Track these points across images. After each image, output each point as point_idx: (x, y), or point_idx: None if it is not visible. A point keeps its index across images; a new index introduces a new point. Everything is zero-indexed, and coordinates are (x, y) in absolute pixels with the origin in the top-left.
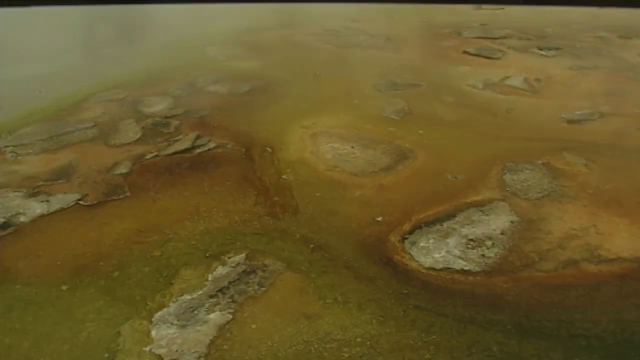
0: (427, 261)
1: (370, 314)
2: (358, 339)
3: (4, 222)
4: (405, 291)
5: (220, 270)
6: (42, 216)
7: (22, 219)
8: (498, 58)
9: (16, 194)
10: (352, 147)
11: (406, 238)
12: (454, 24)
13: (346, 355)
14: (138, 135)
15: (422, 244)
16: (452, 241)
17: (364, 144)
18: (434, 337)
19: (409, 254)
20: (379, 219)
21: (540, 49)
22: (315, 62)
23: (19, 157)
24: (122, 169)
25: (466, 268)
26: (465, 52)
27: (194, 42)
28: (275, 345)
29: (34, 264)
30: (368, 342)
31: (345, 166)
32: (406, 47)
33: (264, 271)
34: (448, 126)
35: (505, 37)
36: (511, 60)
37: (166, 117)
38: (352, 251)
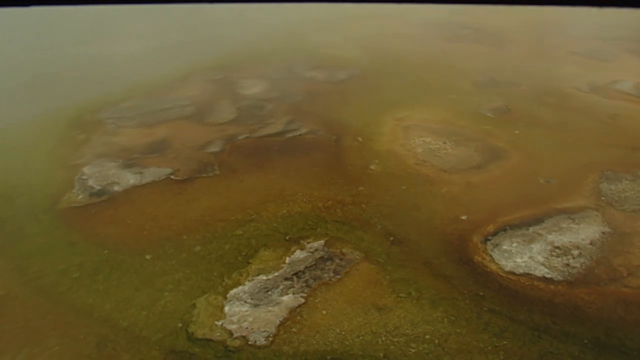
0: (507, 265)
1: (443, 312)
2: (427, 336)
3: (100, 190)
4: (482, 293)
5: (298, 255)
6: (135, 187)
7: (116, 188)
8: (608, 60)
9: (113, 164)
10: (444, 143)
11: (489, 239)
12: (565, 21)
13: (413, 350)
14: (232, 116)
15: (504, 247)
16: (536, 247)
17: (456, 140)
18: (505, 342)
19: (490, 255)
20: (464, 217)
21: None
22: (414, 54)
23: (118, 130)
24: (214, 148)
25: (548, 276)
26: (572, 52)
27: (293, 28)
28: (343, 332)
29: (123, 232)
30: (436, 340)
31: (435, 161)
32: (510, 43)
33: (341, 259)
34: (546, 128)
35: (619, 39)
36: (622, 63)
37: (261, 100)
38: (432, 247)
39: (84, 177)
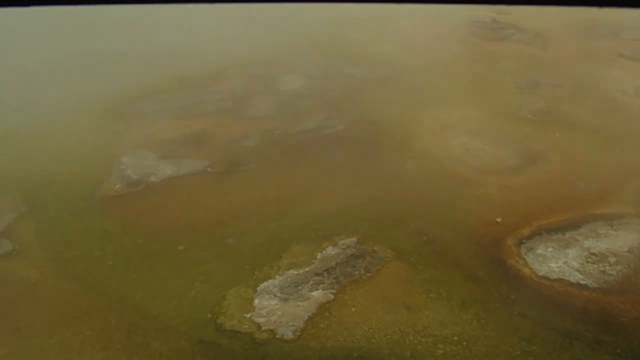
0: (541, 269)
1: (472, 314)
2: (455, 337)
3: (137, 180)
4: (513, 297)
5: (330, 251)
6: (171, 178)
7: (152, 178)
8: None
9: (151, 154)
10: (482, 144)
11: (523, 243)
12: (614, 23)
13: (440, 351)
14: (270, 111)
15: (539, 251)
16: (572, 252)
17: (494, 142)
18: (534, 347)
19: (524, 259)
20: (499, 219)
21: None
22: (456, 53)
23: (157, 121)
24: (251, 142)
25: (582, 282)
26: (620, 54)
27: (333, 24)
28: (371, 330)
29: (157, 222)
30: (465, 342)
31: (472, 162)
32: (556, 44)
33: (372, 257)
34: (588, 132)
35: None
36: None
37: (299, 96)
38: (464, 248)
39: (122, 167)
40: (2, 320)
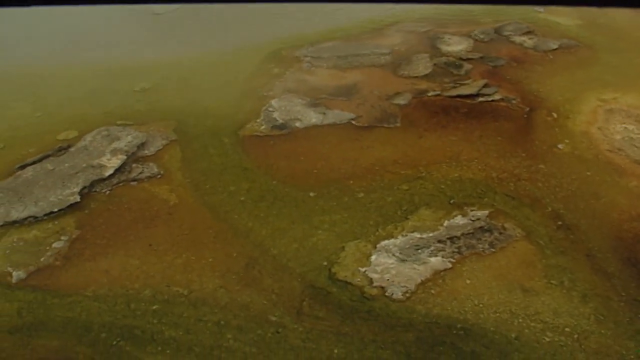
0: None
1: (592, 309)
2: (567, 329)
3: (282, 124)
4: None
5: (458, 220)
6: (315, 126)
7: (297, 124)
8: None
9: (300, 100)
10: None
11: None
12: None
13: (547, 339)
14: (427, 71)
15: None
16: None
17: None
18: None
19: None
20: None
21: None
22: None
23: (312, 69)
24: (401, 100)
25: None
26: None
27: None
28: (480, 305)
29: (294, 167)
30: (576, 335)
31: (632, 152)
32: None
33: (500, 233)
34: None
35: None
36: None
37: (461, 59)
38: (600, 241)
39: (270, 109)
40: (139, 235)
